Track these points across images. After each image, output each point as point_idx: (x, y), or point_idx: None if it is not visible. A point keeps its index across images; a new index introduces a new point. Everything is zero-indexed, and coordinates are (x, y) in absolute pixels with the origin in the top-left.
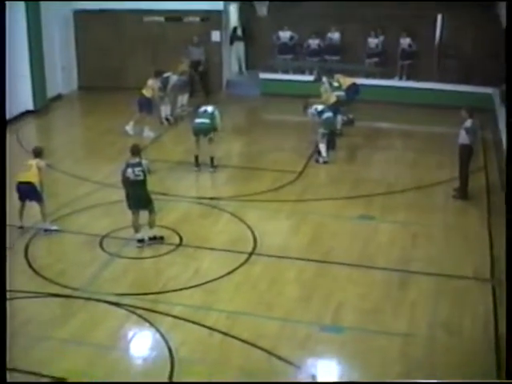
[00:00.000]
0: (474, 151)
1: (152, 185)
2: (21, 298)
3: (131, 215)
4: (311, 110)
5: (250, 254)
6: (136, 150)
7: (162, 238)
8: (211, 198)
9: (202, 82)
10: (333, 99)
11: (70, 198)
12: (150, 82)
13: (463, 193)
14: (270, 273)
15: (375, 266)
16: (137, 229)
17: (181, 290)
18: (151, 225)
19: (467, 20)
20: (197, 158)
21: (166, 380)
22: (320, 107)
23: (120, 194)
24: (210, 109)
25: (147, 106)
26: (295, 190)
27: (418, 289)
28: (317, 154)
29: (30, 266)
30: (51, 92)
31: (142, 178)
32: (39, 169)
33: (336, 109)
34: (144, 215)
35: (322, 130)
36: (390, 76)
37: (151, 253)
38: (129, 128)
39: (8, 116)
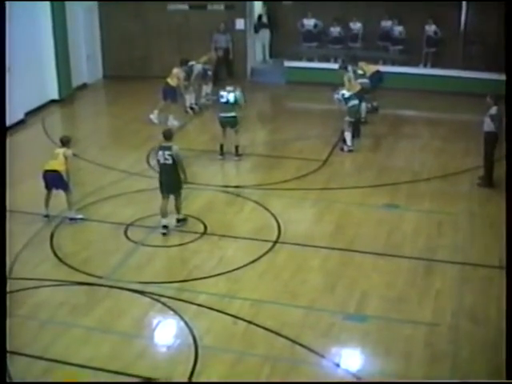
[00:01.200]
0: (499, 139)
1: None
2: (46, 286)
3: (161, 199)
4: (338, 96)
5: (275, 243)
6: (168, 135)
7: (185, 219)
8: (236, 187)
9: (228, 68)
10: (357, 88)
11: (95, 187)
12: (175, 70)
13: (488, 181)
14: (295, 261)
15: (400, 255)
16: (164, 214)
17: (205, 278)
18: (178, 210)
19: (492, 5)
20: (222, 146)
21: (190, 367)
22: (347, 93)
23: (145, 182)
24: (231, 97)
25: (172, 94)
26: (320, 179)
27: (443, 277)
28: (342, 142)
29: (55, 254)
30: (76, 81)
31: (170, 162)
32: (66, 158)
33: (361, 96)
34: (172, 201)
35: (347, 118)
36: (414, 63)
37: (176, 241)
38: (153, 116)
39: (34, 105)
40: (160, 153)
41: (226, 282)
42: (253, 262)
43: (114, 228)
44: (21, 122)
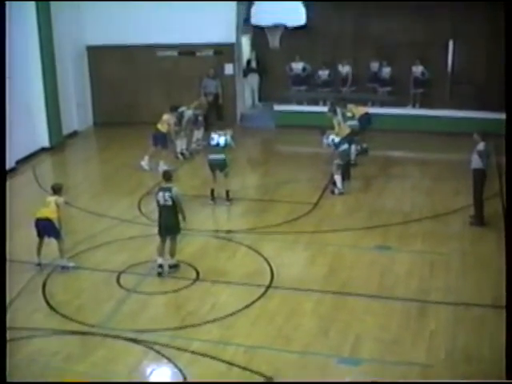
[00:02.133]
0: (486, 175)
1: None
2: (39, 336)
3: (159, 241)
4: (328, 141)
5: (268, 287)
6: (168, 176)
7: (177, 265)
8: (228, 231)
9: (218, 113)
10: (346, 131)
11: (87, 235)
12: (166, 116)
13: (479, 219)
14: (288, 305)
15: (393, 297)
16: (160, 254)
17: (199, 325)
18: (172, 254)
19: (478, 45)
20: (213, 191)
21: None
22: (337, 139)
23: (136, 228)
24: (221, 140)
25: (162, 140)
26: (311, 222)
27: (437, 318)
28: (332, 185)
29: (48, 303)
30: (67, 129)
31: (170, 203)
32: (58, 205)
33: (350, 139)
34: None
35: (337, 162)
36: (402, 104)
37: (169, 288)
38: (144, 163)
39: (24, 153)
40: (160, 194)
41: (219, 328)
42: (246, 307)
43: (106, 275)
44: (12, 170)
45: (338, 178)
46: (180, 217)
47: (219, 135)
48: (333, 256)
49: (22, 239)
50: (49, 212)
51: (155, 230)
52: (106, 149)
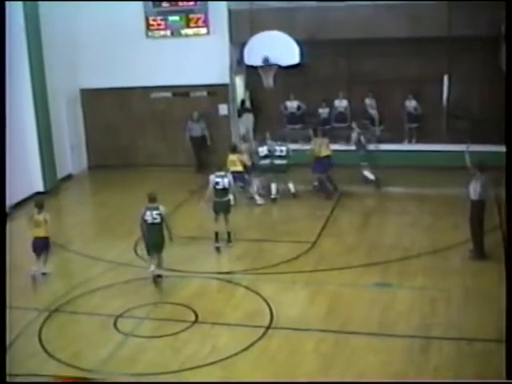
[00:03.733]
0: (485, 207)
1: (164, 261)
2: (35, 382)
3: (148, 257)
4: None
5: (267, 328)
6: (153, 197)
7: (161, 276)
8: (226, 273)
9: (199, 158)
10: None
11: (82, 279)
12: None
13: (480, 252)
14: (288, 345)
15: (395, 334)
16: (150, 264)
17: (199, 367)
18: (161, 265)
19: (473, 79)
20: (217, 234)
21: None
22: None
23: (133, 272)
24: (226, 182)
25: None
26: (310, 261)
27: (440, 354)
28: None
29: (44, 348)
30: (61, 172)
31: (158, 220)
32: (46, 222)
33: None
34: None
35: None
36: (398, 140)
37: (167, 331)
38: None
39: (18, 198)
40: (148, 213)
41: (219, 370)
42: (246, 348)
43: (103, 320)
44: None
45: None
46: (166, 234)
47: (222, 177)
48: (332, 295)
49: (17, 283)
50: (44, 231)
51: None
52: (101, 192)
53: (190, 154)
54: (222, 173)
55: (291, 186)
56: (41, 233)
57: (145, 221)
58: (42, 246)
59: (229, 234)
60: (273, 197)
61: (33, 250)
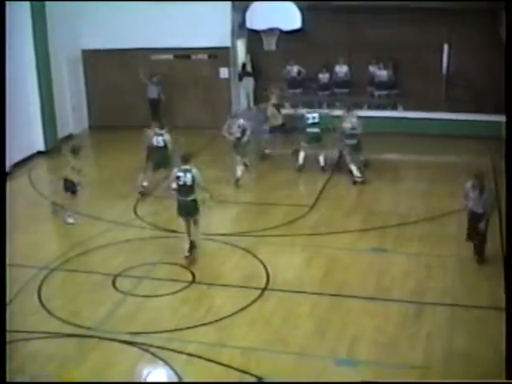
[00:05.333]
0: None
1: (163, 222)
2: (35, 338)
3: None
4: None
5: (264, 290)
6: (187, 157)
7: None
8: (223, 235)
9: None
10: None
11: (82, 238)
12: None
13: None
14: (284, 308)
15: (390, 299)
16: (189, 234)
17: (195, 327)
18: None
19: (473, 48)
20: (192, 244)
21: None
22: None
23: (132, 232)
24: (188, 178)
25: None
26: (307, 224)
27: (434, 320)
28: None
29: (44, 306)
30: (62, 132)
31: (190, 183)
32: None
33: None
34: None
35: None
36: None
37: (164, 291)
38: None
39: (19, 157)
40: (181, 174)
41: (215, 330)
42: (242, 309)
43: (102, 279)
44: (7, 174)
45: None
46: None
47: (185, 172)
48: (329, 258)
49: (17, 243)
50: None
51: (151, 232)
52: (102, 152)
53: (188, 116)
54: (187, 166)
55: (321, 159)
56: (69, 175)
57: (177, 183)
58: (71, 188)
59: (191, 244)
60: (300, 164)
61: (64, 189)
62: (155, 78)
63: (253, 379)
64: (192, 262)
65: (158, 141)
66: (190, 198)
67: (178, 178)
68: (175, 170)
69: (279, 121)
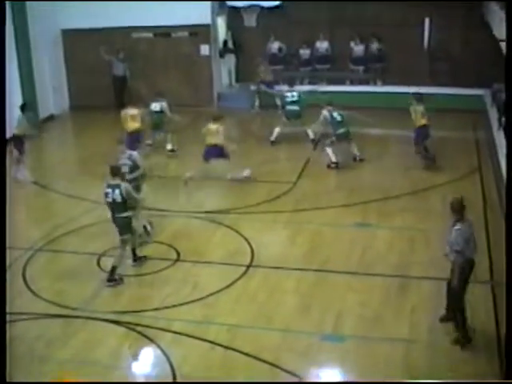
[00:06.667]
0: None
1: (147, 201)
2: (20, 320)
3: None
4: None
5: (248, 267)
6: (115, 171)
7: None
8: (207, 212)
9: (120, 97)
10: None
11: (65, 218)
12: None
13: (465, 334)
14: (269, 284)
15: (374, 273)
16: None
17: (180, 305)
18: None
19: (454, 22)
20: (134, 251)
21: None
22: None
23: None
24: (117, 194)
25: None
26: (291, 201)
27: (418, 293)
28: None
29: (29, 287)
30: (43, 113)
31: (119, 200)
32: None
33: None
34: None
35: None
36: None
37: (149, 269)
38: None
39: None
40: (109, 190)
41: (201, 308)
42: (227, 287)
43: (86, 258)
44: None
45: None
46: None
47: (113, 188)
48: (313, 234)
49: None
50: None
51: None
52: (83, 132)
53: (170, 94)
54: (116, 181)
55: (310, 132)
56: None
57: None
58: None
59: (113, 268)
60: (272, 139)
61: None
62: (121, 54)
63: (239, 356)
64: (176, 240)
65: (155, 106)
66: (118, 216)
67: (105, 195)
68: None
69: (270, 77)
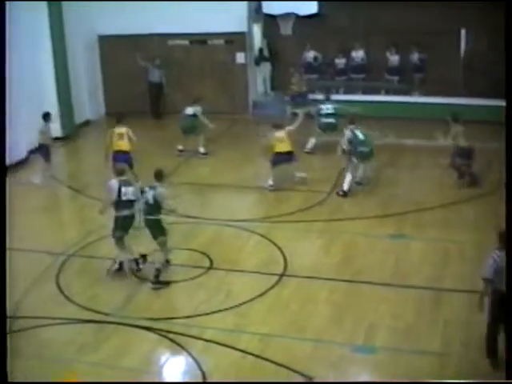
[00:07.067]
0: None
1: (181, 208)
2: (53, 324)
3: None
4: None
5: (281, 276)
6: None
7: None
8: (241, 220)
9: (156, 104)
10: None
11: (99, 224)
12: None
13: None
14: (302, 294)
15: (407, 285)
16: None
17: (212, 313)
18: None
19: (491, 32)
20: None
21: None
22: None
23: None
24: (130, 192)
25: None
26: (325, 210)
27: (451, 306)
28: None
29: (62, 292)
30: (79, 118)
31: (151, 202)
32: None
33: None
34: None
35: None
36: (410, 92)
37: (182, 276)
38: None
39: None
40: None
41: (233, 316)
42: (260, 295)
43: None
44: (23, 161)
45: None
46: None
47: (126, 185)
48: (346, 244)
49: (36, 228)
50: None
51: (168, 218)
52: None
53: (205, 102)
54: (125, 177)
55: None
56: (123, 146)
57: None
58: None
59: (157, 271)
60: (307, 150)
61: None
62: (157, 60)
63: (270, 365)
64: (209, 248)
65: (189, 110)
66: (130, 213)
67: (119, 192)
68: (113, 181)
69: (303, 88)
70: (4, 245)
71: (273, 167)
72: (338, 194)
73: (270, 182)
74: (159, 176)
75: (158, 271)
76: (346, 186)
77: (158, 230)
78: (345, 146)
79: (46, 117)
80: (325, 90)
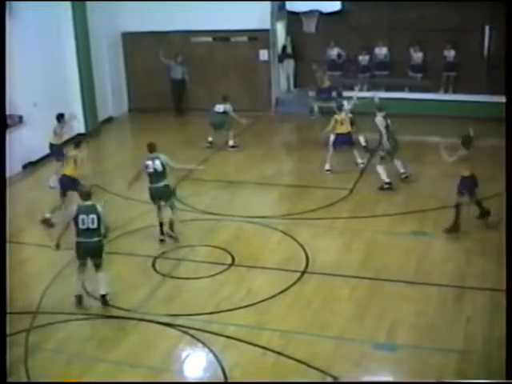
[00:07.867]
0: None
1: (203, 204)
2: (74, 320)
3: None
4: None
5: (303, 273)
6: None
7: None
8: (262, 217)
9: (178, 101)
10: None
11: (122, 220)
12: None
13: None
14: (323, 291)
15: (429, 283)
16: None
17: (234, 309)
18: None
19: None
20: (161, 225)
21: None
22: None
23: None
24: (158, 164)
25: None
26: (347, 207)
27: (474, 304)
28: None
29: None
30: (102, 115)
31: (160, 169)
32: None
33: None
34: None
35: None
36: (434, 89)
37: (204, 273)
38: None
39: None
40: (149, 162)
41: (254, 313)
42: (281, 292)
43: (141, 261)
44: (47, 156)
45: (381, 170)
46: None
47: (153, 159)
48: (368, 242)
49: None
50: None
51: (191, 215)
52: (141, 135)
53: (231, 99)
54: (154, 154)
55: (362, 139)
56: (68, 171)
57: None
58: (67, 185)
59: (171, 224)
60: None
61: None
62: (179, 57)
63: (291, 362)
64: (231, 245)
65: (219, 107)
66: (160, 185)
67: (146, 166)
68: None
69: (327, 84)
70: (4, 245)
71: (334, 150)
72: (381, 188)
73: (327, 167)
74: (152, 147)
75: (171, 224)
76: (385, 177)
77: (169, 194)
78: (383, 129)
79: (60, 117)
80: (348, 87)
